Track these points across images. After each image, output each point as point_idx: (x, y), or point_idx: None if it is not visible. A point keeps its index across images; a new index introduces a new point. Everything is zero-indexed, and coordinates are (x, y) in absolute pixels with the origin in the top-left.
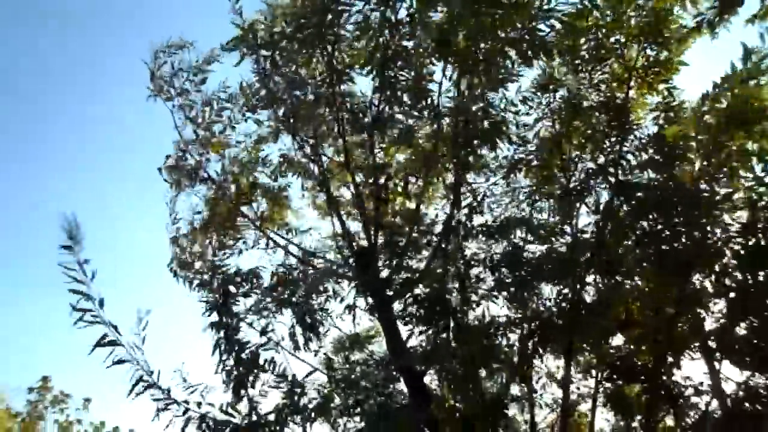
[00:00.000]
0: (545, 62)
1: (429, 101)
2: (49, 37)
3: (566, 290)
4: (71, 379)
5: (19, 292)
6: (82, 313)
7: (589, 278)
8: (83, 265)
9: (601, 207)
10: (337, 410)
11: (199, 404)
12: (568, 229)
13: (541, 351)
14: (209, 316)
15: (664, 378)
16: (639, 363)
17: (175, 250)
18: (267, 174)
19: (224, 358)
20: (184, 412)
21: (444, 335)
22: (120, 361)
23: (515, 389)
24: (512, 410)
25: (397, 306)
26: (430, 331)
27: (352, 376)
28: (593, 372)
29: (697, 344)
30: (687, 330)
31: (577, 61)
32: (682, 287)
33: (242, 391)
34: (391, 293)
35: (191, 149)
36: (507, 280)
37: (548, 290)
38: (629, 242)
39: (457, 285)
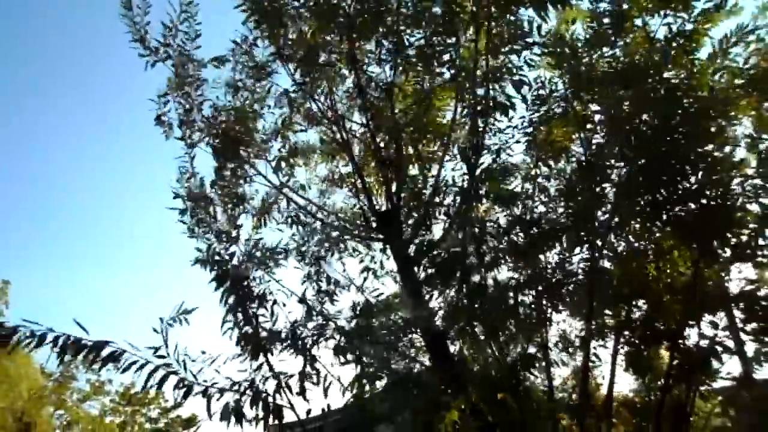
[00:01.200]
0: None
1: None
2: None
3: (583, 252)
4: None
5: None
6: None
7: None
8: None
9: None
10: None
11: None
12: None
13: (557, 313)
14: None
15: (686, 342)
16: (660, 326)
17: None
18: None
19: (239, 321)
20: (204, 392)
21: (464, 297)
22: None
23: (533, 352)
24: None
25: (419, 267)
26: (449, 293)
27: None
28: (613, 335)
29: (720, 309)
30: (710, 294)
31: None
32: (700, 250)
33: (261, 355)
34: (413, 255)
35: (199, 106)
36: (521, 242)
37: (564, 253)
38: (639, 207)
39: (474, 248)
